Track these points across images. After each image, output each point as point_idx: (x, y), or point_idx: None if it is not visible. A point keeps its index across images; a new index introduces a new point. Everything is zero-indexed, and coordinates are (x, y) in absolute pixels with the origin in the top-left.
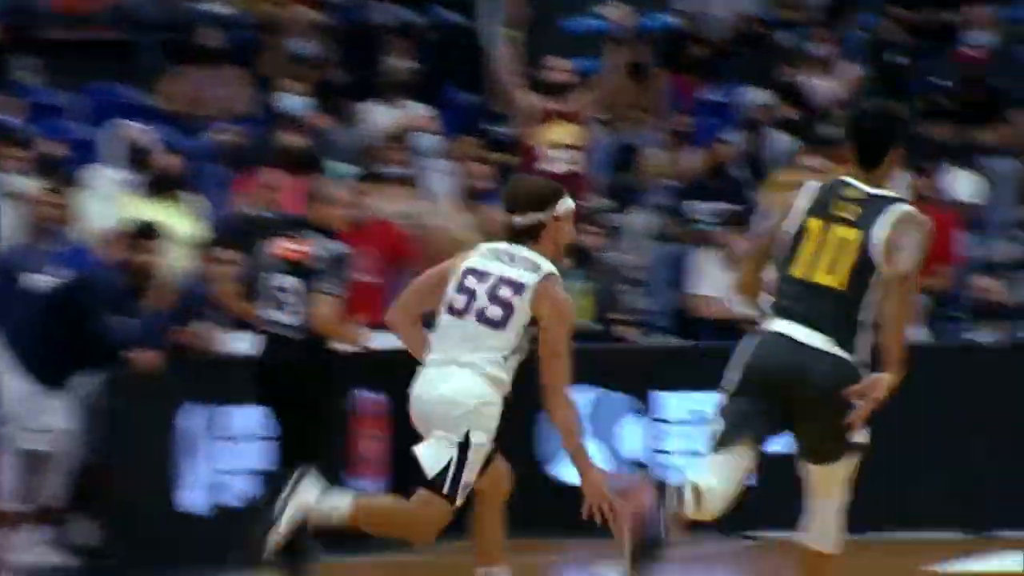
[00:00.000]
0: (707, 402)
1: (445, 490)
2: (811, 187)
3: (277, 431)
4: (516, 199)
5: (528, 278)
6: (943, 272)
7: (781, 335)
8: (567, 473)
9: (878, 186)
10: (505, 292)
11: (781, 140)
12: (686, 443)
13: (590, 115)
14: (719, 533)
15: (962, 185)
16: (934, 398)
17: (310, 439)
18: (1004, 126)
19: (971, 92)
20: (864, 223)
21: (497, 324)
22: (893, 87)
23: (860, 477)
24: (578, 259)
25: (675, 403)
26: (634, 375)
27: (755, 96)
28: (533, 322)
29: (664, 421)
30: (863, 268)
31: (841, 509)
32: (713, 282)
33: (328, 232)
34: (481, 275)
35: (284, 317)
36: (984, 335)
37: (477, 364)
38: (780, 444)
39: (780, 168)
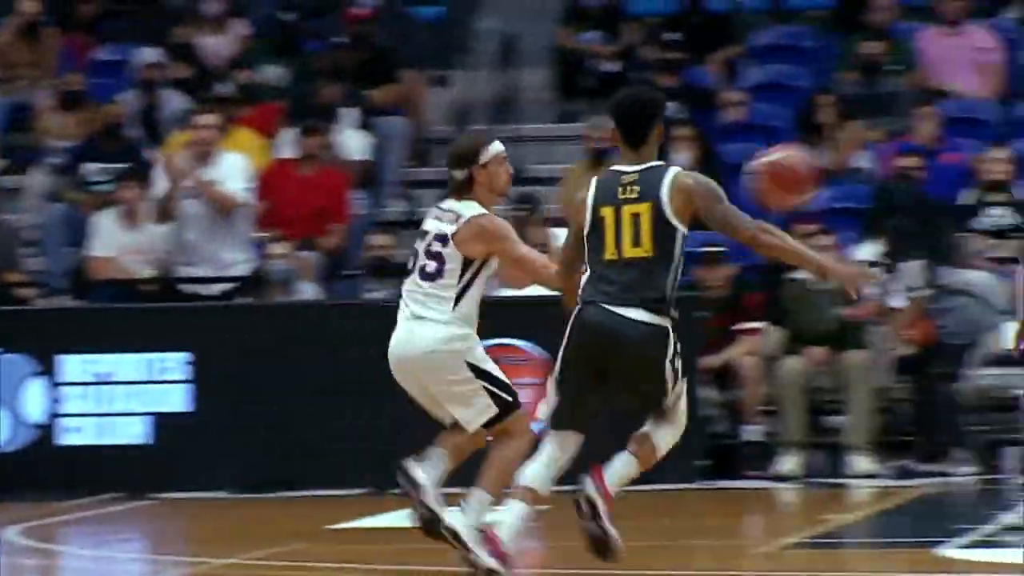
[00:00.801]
0: (107, 364)
1: (505, 408)
2: (592, 184)
3: None
4: (449, 158)
5: (449, 228)
6: (336, 230)
7: (594, 305)
8: None
9: (646, 161)
10: (436, 246)
11: (175, 99)
12: (87, 405)
13: None
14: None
15: (353, 143)
16: (332, 355)
17: None
18: (393, 85)
19: (361, 51)
20: (648, 194)
21: (433, 276)
22: (284, 46)
23: (267, 437)
24: None
25: (76, 365)
26: (34, 337)
27: (148, 55)
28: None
29: (65, 384)
30: (663, 231)
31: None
32: (110, 242)
33: None
34: (424, 235)
35: None
36: (378, 292)
37: (431, 316)
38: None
39: (175, 127)
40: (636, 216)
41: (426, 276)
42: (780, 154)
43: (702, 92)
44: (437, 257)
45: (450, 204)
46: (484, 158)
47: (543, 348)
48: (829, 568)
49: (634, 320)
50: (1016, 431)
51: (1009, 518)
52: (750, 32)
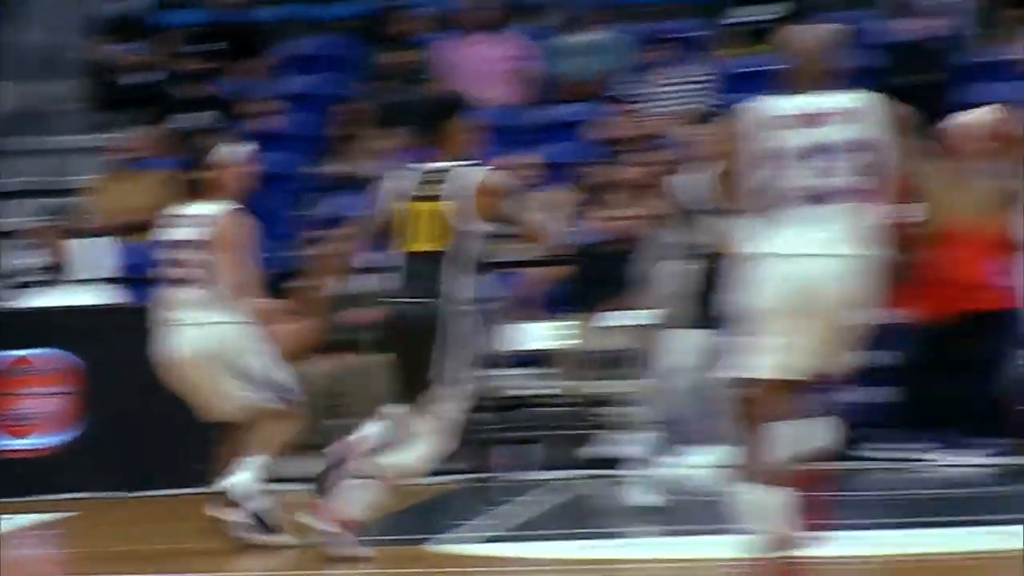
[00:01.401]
0: None
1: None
2: (399, 176)
3: None
4: (195, 157)
5: (201, 233)
6: None
7: (392, 303)
8: None
9: (454, 158)
10: (198, 253)
11: None
12: None
13: None
14: None
15: None
16: None
17: None
18: None
19: None
20: (448, 194)
21: (206, 280)
22: None
23: None
24: None
25: None
26: None
27: None
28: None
29: None
30: (452, 229)
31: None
32: None
33: None
34: (183, 244)
35: None
36: None
37: (208, 319)
38: None
39: None
40: (434, 213)
41: (198, 282)
42: (975, 118)
43: (233, 102)
44: (202, 263)
45: (199, 208)
46: (224, 162)
47: (71, 355)
48: (315, 568)
49: (420, 302)
50: (507, 430)
51: (500, 514)
52: (280, 42)
